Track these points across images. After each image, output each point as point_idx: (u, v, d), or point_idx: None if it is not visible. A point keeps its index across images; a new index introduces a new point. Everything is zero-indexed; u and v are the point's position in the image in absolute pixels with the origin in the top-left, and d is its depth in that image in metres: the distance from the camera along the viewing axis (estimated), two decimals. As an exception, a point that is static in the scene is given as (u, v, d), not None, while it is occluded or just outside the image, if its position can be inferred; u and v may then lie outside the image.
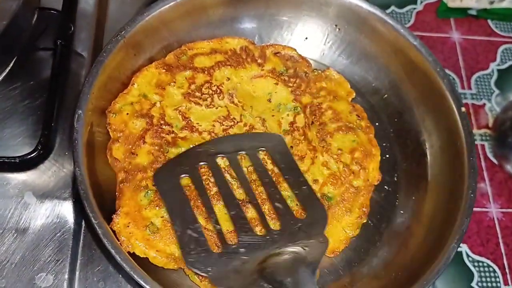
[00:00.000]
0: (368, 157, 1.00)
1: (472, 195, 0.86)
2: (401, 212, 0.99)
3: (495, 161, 1.43)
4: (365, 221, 0.96)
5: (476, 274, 1.29)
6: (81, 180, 0.80)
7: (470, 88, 1.56)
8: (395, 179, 1.03)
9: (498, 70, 1.60)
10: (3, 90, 1.10)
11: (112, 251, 0.75)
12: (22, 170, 1.02)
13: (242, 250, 0.81)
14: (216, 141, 0.93)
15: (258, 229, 0.87)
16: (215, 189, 0.91)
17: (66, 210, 1.00)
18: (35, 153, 1.01)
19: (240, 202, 0.89)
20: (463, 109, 0.95)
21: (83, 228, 1.00)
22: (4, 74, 1.12)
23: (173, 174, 0.87)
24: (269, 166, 0.95)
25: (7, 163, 1.00)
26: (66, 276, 0.94)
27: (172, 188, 0.85)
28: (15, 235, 0.96)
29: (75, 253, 0.98)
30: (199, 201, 0.88)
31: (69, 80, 1.13)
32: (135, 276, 0.74)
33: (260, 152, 0.93)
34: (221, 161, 0.93)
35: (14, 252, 0.95)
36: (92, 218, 0.77)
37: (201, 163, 0.89)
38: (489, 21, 1.70)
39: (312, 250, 0.79)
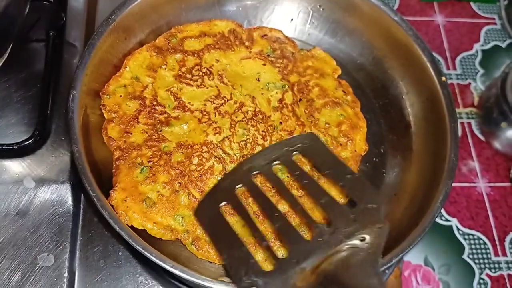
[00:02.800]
0: (354, 129, 1.03)
1: (454, 158, 0.90)
2: (388, 181, 1.02)
3: (482, 137, 1.47)
4: (353, 189, 0.99)
5: (467, 247, 1.32)
6: (78, 156, 0.83)
7: (455, 68, 1.60)
8: (382, 150, 1.07)
9: (482, 51, 1.64)
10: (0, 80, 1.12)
11: (111, 221, 0.78)
12: (21, 157, 1.05)
13: (295, 260, 0.71)
14: (249, 160, 0.88)
15: (309, 235, 0.85)
16: (256, 207, 0.90)
17: (64, 193, 1.03)
18: (32, 139, 1.04)
19: (283, 213, 0.83)
20: (443, 78, 0.99)
21: (81, 210, 1.04)
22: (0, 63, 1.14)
23: (212, 205, 0.82)
24: (306, 167, 0.94)
25: (6, 150, 1.03)
26: (67, 256, 0.98)
27: (213, 219, 0.80)
28: (16, 218, 0.99)
29: (75, 234, 1.01)
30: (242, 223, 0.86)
31: (62, 70, 1.16)
32: (134, 244, 0.77)
33: (294, 155, 0.86)
34: (258, 178, 0.91)
35: (16, 235, 0.98)
36: (90, 191, 0.80)
37: (238, 186, 0.84)
38: (471, 3, 1.74)
39: (371, 239, 0.71)
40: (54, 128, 1.10)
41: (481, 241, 1.34)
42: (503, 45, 1.65)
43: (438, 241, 1.33)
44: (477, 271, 1.30)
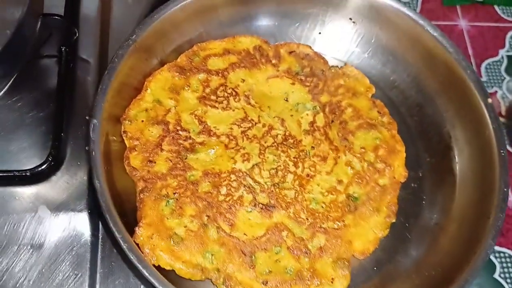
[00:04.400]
0: (392, 154, 0.97)
1: (505, 189, 0.83)
2: (429, 208, 0.96)
3: (510, 149, 1.40)
4: (394, 220, 0.93)
5: (498, 266, 1.26)
6: (101, 192, 0.77)
7: (480, 76, 1.53)
8: (420, 174, 1.00)
9: (508, 57, 1.57)
10: (8, 101, 1.07)
11: (139, 266, 0.72)
12: (34, 183, 0.99)
13: None
14: None
15: None
16: None
17: (81, 222, 0.97)
18: (46, 165, 0.98)
19: None
20: (489, 100, 0.92)
21: (100, 240, 0.97)
22: (8, 84, 1.08)
23: None
24: None
25: (18, 176, 0.97)
26: (86, 291, 0.91)
27: None
28: (31, 250, 0.93)
29: (94, 266, 0.95)
30: None
31: (76, 88, 1.10)
32: (165, 290, 0.70)
33: None
34: None
35: (31, 269, 0.92)
36: (116, 232, 0.74)
37: None
38: (495, 6, 1.67)
39: None
40: (69, 152, 1.03)
41: (512, 260, 1.28)
42: (530, 51, 1.58)
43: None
44: (509, 291, 1.24)
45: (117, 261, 0.96)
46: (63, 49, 1.09)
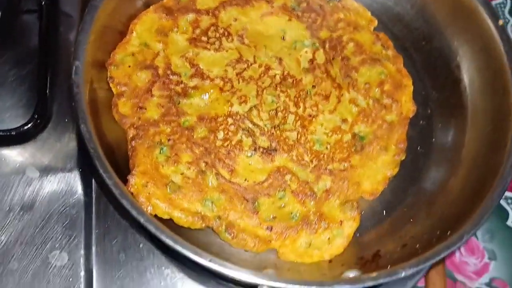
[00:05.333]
0: (399, 88, 0.91)
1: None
2: (440, 146, 0.91)
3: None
4: (403, 158, 0.88)
5: (510, 212, 1.22)
6: (88, 137, 0.71)
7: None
8: (429, 111, 0.94)
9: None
10: (-10, 59, 1.00)
11: (133, 213, 0.67)
12: (20, 143, 0.94)
13: None
14: None
15: None
16: None
17: (73, 181, 0.92)
18: (31, 123, 0.93)
19: None
20: (500, 21, 0.86)
21: (94, 199, 0.92)
22: (-12, 41, 1.02)
23: None
24: None
25: (3, 136, 0.91)
26: (82, 252, 0.87)
27: None
28: (21, 212, 0.88)
29: (89, 227, 0.90)
30: None
31: (60, 44, 1.04)
32: (162, 237, 0.65)
33: None
34: None
35: (23, 231, 0.87)
36: (106, 178, 0.69)
37: None
38: None
39: None
40: (56, 110, 0.98)
41: (525, 205, 1.24)
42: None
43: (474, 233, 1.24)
44: (523, 238, 1.20)
45: (113, 221, 0.91)
46: (43, 3, 1.02)
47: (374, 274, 0.66)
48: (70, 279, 0.84)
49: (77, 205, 0.90)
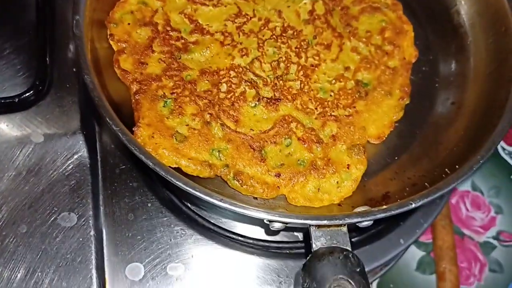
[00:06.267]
0: (400, 34, 0.91)
1: (525, 48, 0.78)
2: (444, 89, 0.91)
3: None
4: (408, 102, 0.87)
5: (516, 169, 1.23)
6: (92, 88, 0.70)
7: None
8: (431, 57, 0.94)
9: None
10: (-18, 33, 1.00)
11: (142, 157, 0.67)
12: (23, 110, 0.93)
13: None
14: None
15: None
16: None
17: (77, 144, 0.92)
18: (33, 90, 0.93)
19: None
20: (500, -37, 0.85)
21: (99, 163, 0.92)
22: (-17, 14, 1.01)
23: None
24: None
25: (5, 103, 0.91)
26: (91, 213, 0.87)
27: None
28: (28, 177, 0.88)
29: (96, 188, 0.90)
30: None
31: (56, 16, 1.03)
32: (173, 179, 0.65)
33: None
34: None
35: (30, 195, 0.87)
36: (113, 126, 0.68)
37: None
38: None
39: None
40: (56, 76, 0.98)
41: (529, 160, 1.24)
42: None
43: (483, 164, 1.24)
44: (528, 191, 1.21)
45: (120, 182, 0.92)
46: (39, -26, 1.01)
47: (384, 207, 0.66)
48: (81, 240, 0.84)
49: (82, 167, 0.90)
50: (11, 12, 1.03)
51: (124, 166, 0.92)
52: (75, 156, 0.91)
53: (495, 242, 1.18)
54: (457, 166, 0.71)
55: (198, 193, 0.64)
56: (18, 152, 0.90)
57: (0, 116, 0.93)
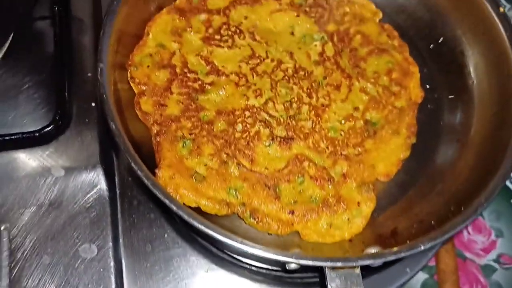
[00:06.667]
0: (406, 75, 0.95)
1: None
2: (449, 127, 0.95)
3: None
4: (414, 141, 0.92)
5: (517, 192, 1.26)
6: (118, 134, 0.75)
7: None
8: (436, 95, 0.98)
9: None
10: (6, 67, 1.03)
11: (166, 201, 0.71)
12: (43, 144, 0.97)
13: None
14: None
15: None
16: None
17: (97, 178, 0.95)
18: (53, 125, 0.96)
19: None
20: (501, 9, 0.90)
21: (118, 195, 0.96)
22: (3, 50, 1.05)
23: None
24: None
25: (27, 138, 0.95)
26: (110, 244, 0.91)
27: None
28: (50, 210, 0.92)
29: (115, 220, 0.94)
30: None
31: (73, 48, 1.07)
32: (195, 223, 0.69)
33: None
34: None
35: (52, 228, 0.90)
36: (138, 171, 0.72)
37: None
38: None
39: None
40: (76, 111, 1.01)
41: (528, 183, 1.28)
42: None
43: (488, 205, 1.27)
44: (527, 214, 1.24)
45: (137, 214, 0.95)
46: (55, 8, 1.06)
47: (395, 249, 0.70)
48: (101, 270, 0.88)
49: (102, 200, 0.94)
50: (29, 46, 1.07)
51: (141, 198, 0.96)
52: (95, 189, 0.95)
53: (495, 264, 1.22)
54: (462, 208, 0.75)
55: (219, 237, 0.68)
56: (40, 186, 0.93)
57: (21, 150, 0.96)
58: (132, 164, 0.72)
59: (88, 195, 0.94)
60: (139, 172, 0.72)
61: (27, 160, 0.95)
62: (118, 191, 0.96)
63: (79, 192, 0.94)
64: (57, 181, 0.94)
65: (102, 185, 0.95)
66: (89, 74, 1.04)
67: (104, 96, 0.77)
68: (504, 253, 1.22)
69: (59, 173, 0.95)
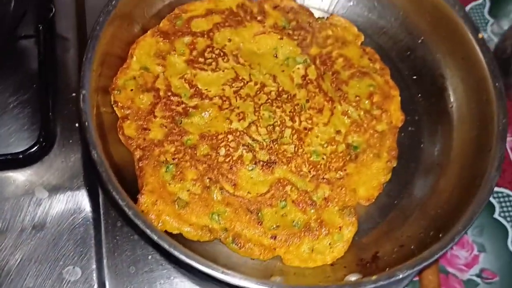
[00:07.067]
0: (387, 99, 0.97)
1: (504, 120, 0.83)
2: (429, 150, 0.96)
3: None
4: (395, 164, 0.93)
5: (497, 206, 1.27)
6: (100, 162, 0.75)
7: (464, 20, 1.51)
8: (416, 118, 1.00)
9: (489, -2, 1.56)
10: (-11, 87, 1.03)
11: (147, 231, 0.71)
12: (27, 166, 0.97)
13: None
14: None
15: None
16: None
17: (81, 199, 0.95)
18: (37, 146, 0.96)
19: None
20: (480, 35, 0.92)
21: (102, 216, 0.96)
22: (-14, 70, 1.04)
23: None
24: None
25: (11, 160, 0.95)
26: (94, 266, 0.91)
27: None
28: (33, 232, 0.92)
29: (99, 242, 0.94)
30: None
31: (58, 66, 1.07)
32: (176, 253, 0.70)
33: None
34: None
35: (36, 250, 0.91)
36: (120, 200, 0.73)
37: None
38: None
39: None
40: (59, 131, 1.01)
41: (510, 198, 1.29)
42: (510, -11, 1.57)
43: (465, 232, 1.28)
44: (510, 229, 1.25)
45: (121, 235, 0.95)
46: (40, 27, 1.05)
47: (374, 277, 0.71)
48: (85, 293, 0.88)
49: (86, 222, 0.94)
50: (14, 65, 1.07)
51: (125, 219, 0.96)
52: (79, 211, 0.95)
53: (478, 279, 1.23)
54: (441, 235, 0.77)
55: (200, 267, 0.69)
56: (23, 207, 0.94)
57: (5, 172, 0.96)
58: (114, 194, 0.73)
59: (72, 217, 0.95)
60: (120, 202, 0.73)
61: (11, 181, 0.95)
62: (102, 212, 0.96)
63: (63, 214, 0.94)
64: (41, 202, 0.95)
65: (86, 206, 0.95)
66: (73, 94, 1.04)
67: (86, 124, 0.77)
68: (486, 268, 1.23)
69: (43, 195, 0.95)
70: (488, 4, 1.54)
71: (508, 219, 1.26)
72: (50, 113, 1.01)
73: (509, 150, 1.32)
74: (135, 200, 0.81)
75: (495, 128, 0.84)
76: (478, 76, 0.91)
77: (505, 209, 1.27)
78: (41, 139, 0.96)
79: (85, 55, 0.83)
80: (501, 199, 1.28)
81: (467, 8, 1.51)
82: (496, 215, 1.26)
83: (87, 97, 0.80)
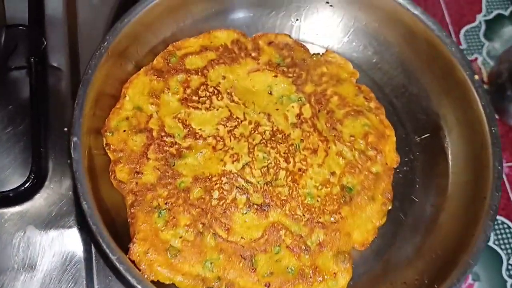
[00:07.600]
0: (382, 139, 0.96)
1: (499, 167, 0.83)
2: (424, 191, 0.96)
3: (496, 116, 1.39)
4: (390, 207, 0.92)
5: (492, 233, 1.27)
6: (90, 214, 0.74)
7: (460, 43, 1.51)
8: (411, 157, 0.99)
9: (485, 21, 1.55)
10: (-20, 121, 1.02)
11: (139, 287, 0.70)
12: (18, 203, 0.95)
13: None
14: None
15: None
16: None
17: (72, 238, 0.94)
18: (28, 183, 0.94)
19: None
20: (476, 77, 0.91)
21: (94, 256, 0.95)
22: (-21, 102, 1.03)
23: None
24: None
25: (1, 198, 0.93)
26: (86, 308, 0.89)
27: None
28: (25, 272, 0.91)
29: (91, 282, 0.92)
30: None
31: (50, 98, 1.05)
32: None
33: None
34: None
35: (28, 291, 0.89)
36: (110, 254, 0.72)
37: None
38: (468, -29, 1.64)
39: None
40: (51, 167, 0.99)
41: (505, 225, 1.29)
42: (506, 12, 1.57)
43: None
44: (504, 258, 1.25)
45: (113, 276, 0.94)
46: (32, 59, 1.04)
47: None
48: (77, 335, 0.87)
49: (78, 262, 0.92)
50: (6, 97, 1.05)
51: (115, 273, 0.95)
52: (70, 250, 0.94)
53: (473, 308, 1.23)
54: (435, 286, 0.76)
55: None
56: (13, 248, 0.92)
57: (-7, 210, 0.95)
58: (104, 247, 0.72)
59: (64, 257, 0.93)
60: (111, 255, 0.72)
61: (1, 219, 0.94)
62: (93, 251, 0.95)
63: (55, 254, 0.93)
64: (32, 241, 0.93)
65: (78, 246, 0.94)
66: (66, 129, 1.02)
67: (77, 173, 0.76)
68: (481, 297, 1.23)
69: (34, 234, 0.94)
70: (483, 27, 1.53)
71: (503, 247, 1.25)
72: (42, 149, 0.99)
73: (504, 176, 1.31)
74: (127, 249, 0.80)
75: (491, 175, 0.83)
76: (473, 118, 0.90)
77: (499, 236, 1.26)
78: (32, 176, 0.94)
79: (76, 101, 0.82)
80: (495, 227, 1.27)
81: (463, 31, 1.51)
82: (490, 243, 1.25)
83: (78, 144, 0.79)
